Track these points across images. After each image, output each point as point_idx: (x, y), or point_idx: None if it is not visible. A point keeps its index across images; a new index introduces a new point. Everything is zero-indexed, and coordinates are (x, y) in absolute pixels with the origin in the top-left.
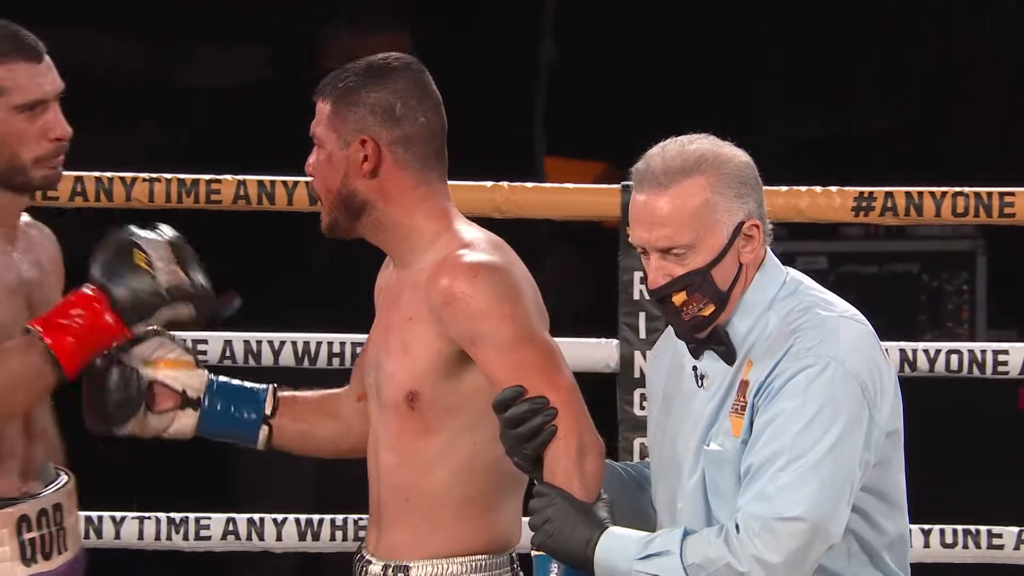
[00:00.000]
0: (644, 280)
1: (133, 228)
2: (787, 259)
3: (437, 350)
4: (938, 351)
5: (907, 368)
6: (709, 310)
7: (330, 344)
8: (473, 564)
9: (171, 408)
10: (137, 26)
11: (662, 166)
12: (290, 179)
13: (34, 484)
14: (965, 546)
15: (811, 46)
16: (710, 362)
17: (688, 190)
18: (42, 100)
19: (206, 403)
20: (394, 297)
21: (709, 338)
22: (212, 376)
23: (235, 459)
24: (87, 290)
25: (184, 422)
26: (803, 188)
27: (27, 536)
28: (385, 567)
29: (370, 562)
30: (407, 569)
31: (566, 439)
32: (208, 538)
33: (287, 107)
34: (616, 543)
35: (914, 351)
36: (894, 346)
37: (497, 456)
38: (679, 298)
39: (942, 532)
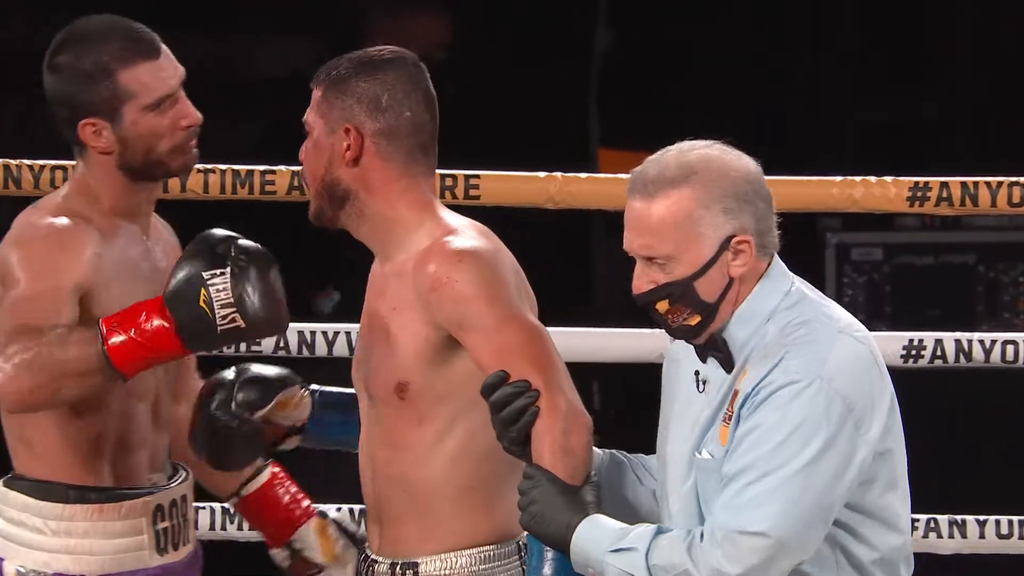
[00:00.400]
0: None
1: (209, 251)
2: (841, 250)
3: (424, 338)
4: (994, 342)
5: (963, 359)
6: (695, 320)
7: None
8: (481, 555)
9: (280, 439)
10: (192, 20)
11: (653, 174)
12: None
13: (158, 476)
14: (1021, 536)
15: (873, 31)
16: (712, 367)
17: (672, 201)
18: (169, 95)
19: (310, 427)
20: (378, 289)
21: (708, 344)
22: (315, 396)
23: (298, 448)
24: (160, 305)
25: (287, 444)
26: (857, 178)
27: (160, 526)
28: (392, 565)
29: (376, 562)
30: (415, 566)
31: (549, 418)
32: None
33: None
34: (593, 531)
35: (969, 342)
36: (950, 336)
37: (493, 443)
38: (662, 306)
39: (997, 523)
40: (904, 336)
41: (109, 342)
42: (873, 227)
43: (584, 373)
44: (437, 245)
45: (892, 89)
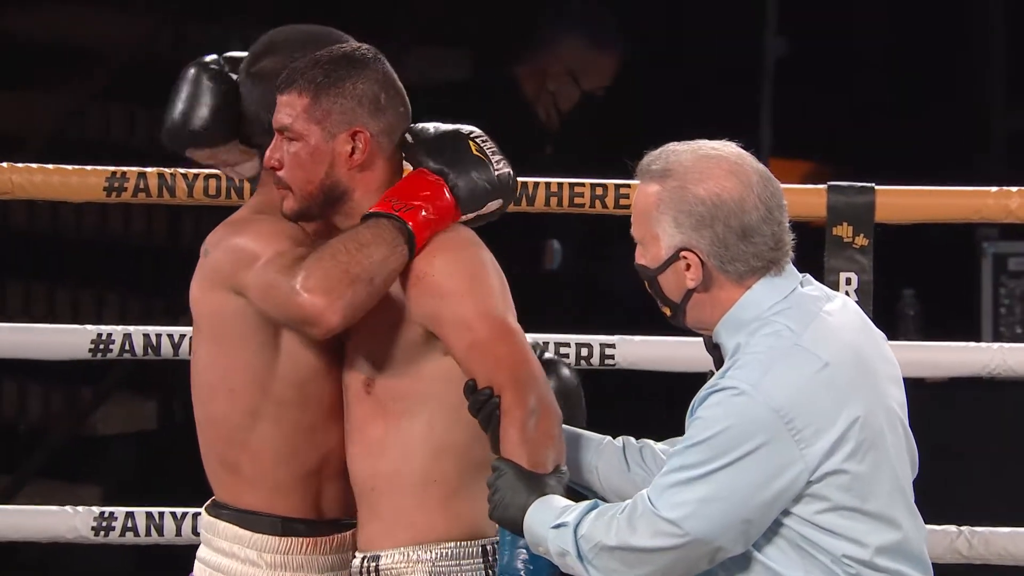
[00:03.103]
0: (849, 282)
1: (446, 129)
2: (998, 260)
3: (398, 335)
4: None
5: None
6: (666, 311)
7: None
8: (441, 552)
9: None
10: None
11: (648, 160)
12: None
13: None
14: None
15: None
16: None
17: (643, 193)
18: None
19: None
20: None
21: (709, 346)
22: None
23: None
24: (429, 176)
25: None
26: (1013, 188)
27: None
28: (363, 559)
29: (354, 557)
30: (377, 559)
31: (516, 413)
32: None
33: (488, 107)
34: (542, 510)
35: None
36: None
37: (461, 441)
38: (648, 286)
39: None
40: None
41: (410, 223)
42: None
43: None
44: None
45: None
